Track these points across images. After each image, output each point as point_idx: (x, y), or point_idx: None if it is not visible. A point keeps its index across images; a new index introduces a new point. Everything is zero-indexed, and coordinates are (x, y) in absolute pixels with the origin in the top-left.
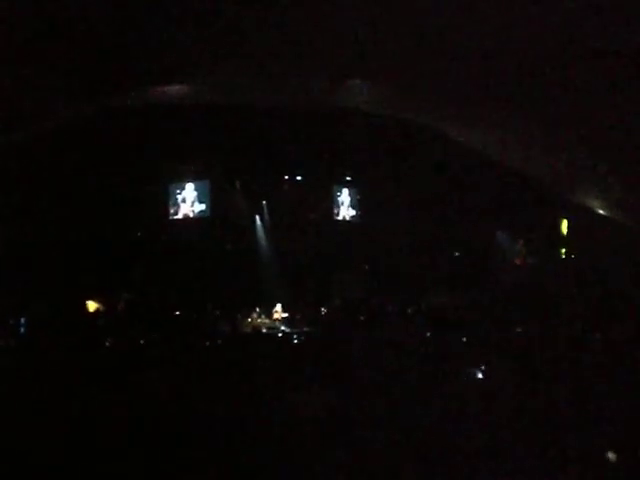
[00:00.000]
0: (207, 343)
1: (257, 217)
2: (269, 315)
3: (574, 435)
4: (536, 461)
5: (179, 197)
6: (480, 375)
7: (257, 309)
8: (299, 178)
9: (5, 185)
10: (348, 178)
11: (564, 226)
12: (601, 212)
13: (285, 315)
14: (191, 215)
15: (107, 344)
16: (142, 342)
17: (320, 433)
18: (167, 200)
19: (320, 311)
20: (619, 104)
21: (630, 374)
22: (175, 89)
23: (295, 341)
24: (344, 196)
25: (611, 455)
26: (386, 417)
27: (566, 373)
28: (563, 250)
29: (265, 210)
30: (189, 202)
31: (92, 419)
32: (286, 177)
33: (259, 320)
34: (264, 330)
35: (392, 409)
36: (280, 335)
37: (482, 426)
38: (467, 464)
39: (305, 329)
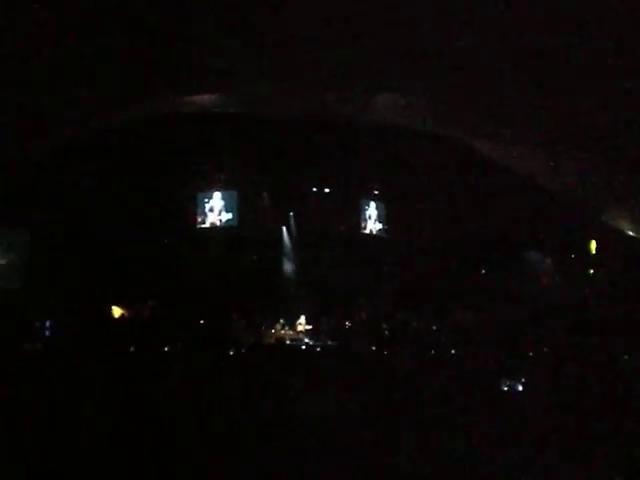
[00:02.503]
0: (231, 352)
1: (284, 228)
2: (293, 327)
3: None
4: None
5: (207, 206)
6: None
7: (281, 320)
8: (327, 191)
9: (34, 193)
10: (376, 192)
11: (592, 246)
12: (631, 233)
13: (309, 327)
14: (218, 224)
15: (131, 350)
16: (166, 349)
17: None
18: (195, 209)
19: (344, 324)
20: None
21: None
22: (205, 98)
23: (318, 353)
24: (371, 210)
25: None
26: (411, 434)
27: (594, 390)
28: (591, 270)
29: (292, 221)
30: (216, 211)
31: (114, 423)
32: (314, 189)
33: (283, 331)
34: (287, 341)
35: (418, 424)
36: (303, 347)
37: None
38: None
39: (329, 342)
